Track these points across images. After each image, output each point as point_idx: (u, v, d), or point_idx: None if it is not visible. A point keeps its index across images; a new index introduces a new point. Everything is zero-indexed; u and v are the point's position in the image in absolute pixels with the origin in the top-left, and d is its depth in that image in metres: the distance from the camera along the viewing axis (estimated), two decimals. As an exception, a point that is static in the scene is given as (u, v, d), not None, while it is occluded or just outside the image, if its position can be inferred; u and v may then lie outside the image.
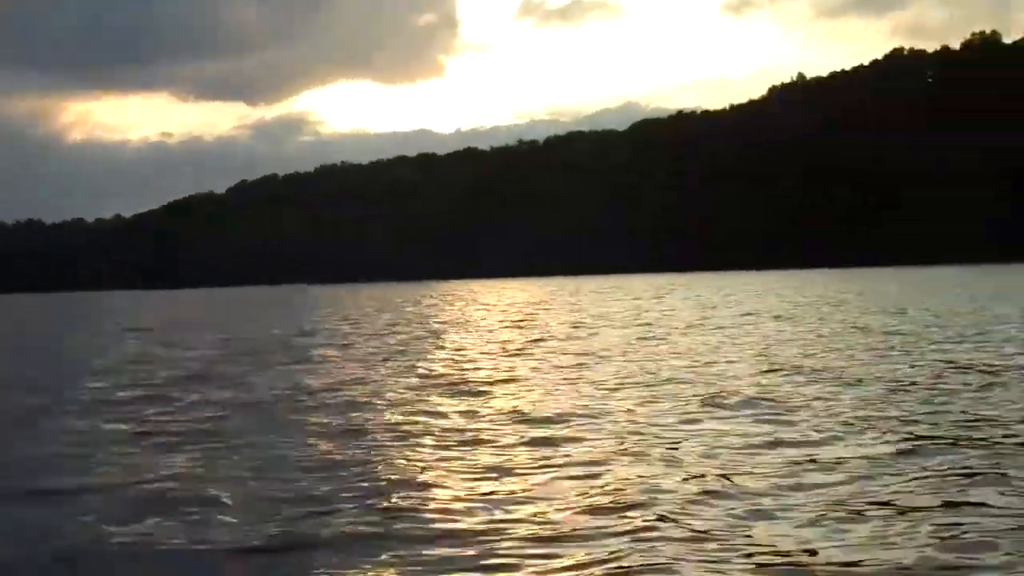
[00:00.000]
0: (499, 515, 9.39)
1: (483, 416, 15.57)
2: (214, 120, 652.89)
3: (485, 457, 12.19)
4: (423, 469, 11.53)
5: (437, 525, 9.15)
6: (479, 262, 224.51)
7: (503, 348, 28.62)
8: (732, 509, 9.17)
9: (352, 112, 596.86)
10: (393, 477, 11.12)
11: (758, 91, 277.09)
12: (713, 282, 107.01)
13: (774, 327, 33.62)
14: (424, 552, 8.44)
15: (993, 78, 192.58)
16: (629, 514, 9.14)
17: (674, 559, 7.81)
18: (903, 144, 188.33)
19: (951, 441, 11.79)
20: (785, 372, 19.73)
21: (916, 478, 10.01)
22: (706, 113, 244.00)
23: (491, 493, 10.22)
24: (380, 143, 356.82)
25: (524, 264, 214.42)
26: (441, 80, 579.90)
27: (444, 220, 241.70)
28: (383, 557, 8.39)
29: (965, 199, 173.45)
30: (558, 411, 15.54)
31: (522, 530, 8.84)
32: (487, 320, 47.30)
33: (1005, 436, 12.04)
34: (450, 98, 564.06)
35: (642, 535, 8.49)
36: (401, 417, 15.56)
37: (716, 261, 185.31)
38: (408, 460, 12.13)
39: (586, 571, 7.73)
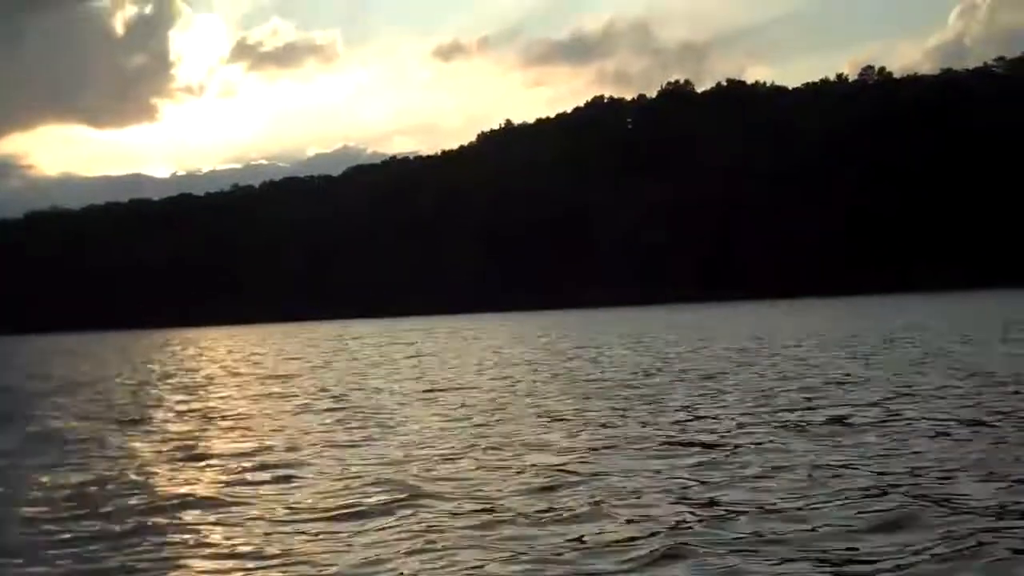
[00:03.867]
0: None
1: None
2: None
3: None
4: None
5: None
6: (215, 309, 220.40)
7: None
8: None
9: (63, 156, 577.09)
10: None
11: (468, 137, 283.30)
12: (411, 326, 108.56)
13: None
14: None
15: (684, 124, 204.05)
16: None
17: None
18: (603, 187, 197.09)
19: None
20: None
21: None
22: (419, 158, 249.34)
23: None
24: (93, 188, 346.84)
25: (265, 310, 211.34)
26: (155, 124, 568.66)
27: (165, 267, 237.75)
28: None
29: (656, 240, 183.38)
30: None
31: None
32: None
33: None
34: (165, 142, 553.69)
35: None
36: None
37: (434, 306, 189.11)
38: None
39: None
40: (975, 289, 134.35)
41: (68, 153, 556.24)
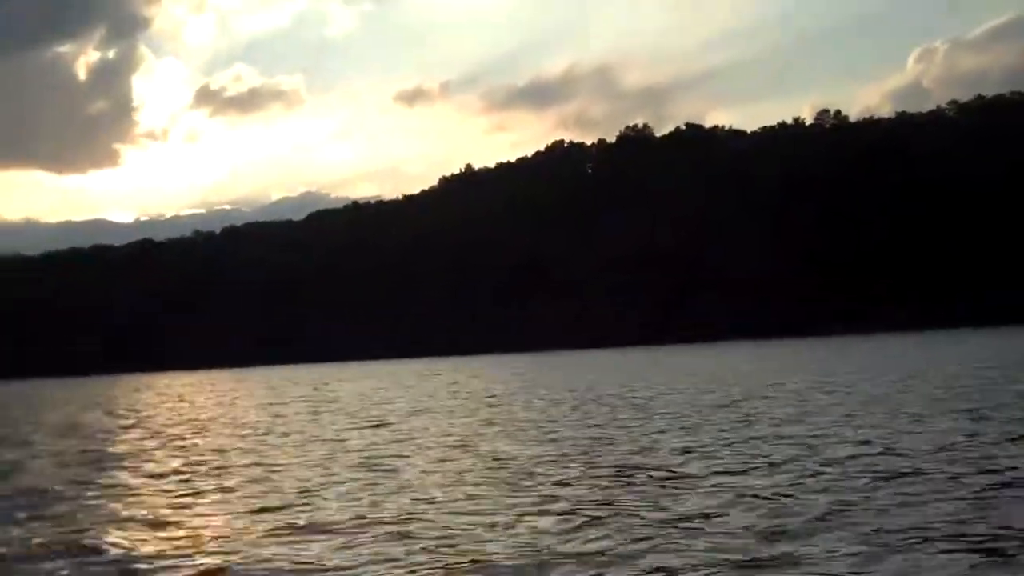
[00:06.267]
0: None
1: None
2: None
3: None
4: None
5: None
6: (177, 354, 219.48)
7: None
8: None
9: (25, 202, 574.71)
10: None
11: (430, 181, 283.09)
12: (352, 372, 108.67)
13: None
14: None
15: (643, 167, 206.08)
16: None
17: None
18: (564, 230, 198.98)
19: None
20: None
21: None
22: (381, 203, 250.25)
23: None
24: (56, 233, 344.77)
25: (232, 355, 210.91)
26: (118, 169, 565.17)
27: (127, 312, 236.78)
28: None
29: (614, 283, 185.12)
30: None
31: None
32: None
33: None
34: (128, 187, 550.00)
35: None
36: None
37: (397, 350, 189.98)
38: None
39: None
40: (934, 329, 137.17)
41: (30, 199, 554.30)
